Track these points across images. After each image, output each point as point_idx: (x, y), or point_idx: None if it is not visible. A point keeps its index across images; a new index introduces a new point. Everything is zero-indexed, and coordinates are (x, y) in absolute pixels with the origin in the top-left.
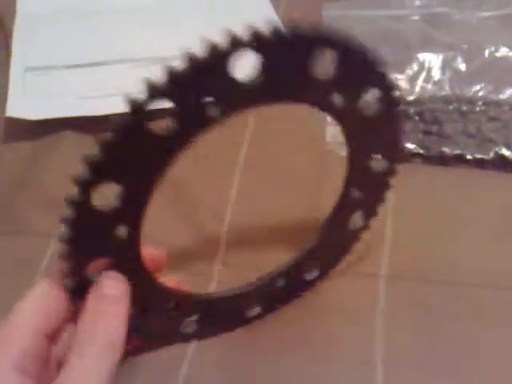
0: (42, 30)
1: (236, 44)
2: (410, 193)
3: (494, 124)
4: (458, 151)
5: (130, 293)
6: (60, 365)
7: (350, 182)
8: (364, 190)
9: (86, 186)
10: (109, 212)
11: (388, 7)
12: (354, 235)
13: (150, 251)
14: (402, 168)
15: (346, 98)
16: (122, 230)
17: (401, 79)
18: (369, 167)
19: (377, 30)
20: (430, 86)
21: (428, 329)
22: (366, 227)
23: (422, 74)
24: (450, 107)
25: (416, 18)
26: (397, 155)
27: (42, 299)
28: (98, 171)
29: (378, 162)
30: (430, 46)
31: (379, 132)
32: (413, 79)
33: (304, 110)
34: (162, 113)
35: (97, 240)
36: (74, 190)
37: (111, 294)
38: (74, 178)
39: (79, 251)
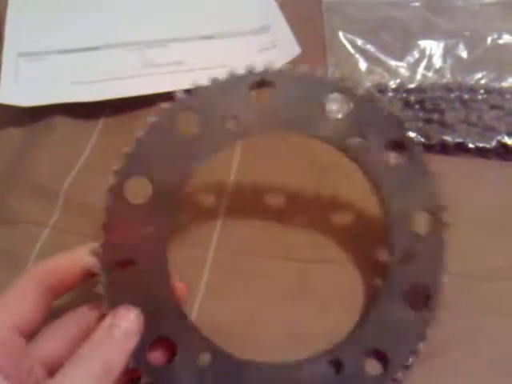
0: (34, 14)
1: (251, 72)
2: None
3: (496, 112)
4: (459, 140)
5: (158, 325)
6: (44, 365)
7: (394, 249)
8: (414, 256)
9: (122, 176)
10: (138, 207)
11: None
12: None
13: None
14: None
15: (367, 147)
16: (149, 229)
17: (401, 67)
18: (413, 229)
19: (377, 17)
20: (431, 74)
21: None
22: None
23: (423, 61)
24: (452, 95)
25: (417, 4)
26: (440, 209)
27: (18, 295)
28: (131, 162)
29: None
30: (431, 32)
31: (412, 186)
32: (413, 67)
33: None
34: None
35: (126, 237)
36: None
37: (122, 325)
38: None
39: (110, 244)
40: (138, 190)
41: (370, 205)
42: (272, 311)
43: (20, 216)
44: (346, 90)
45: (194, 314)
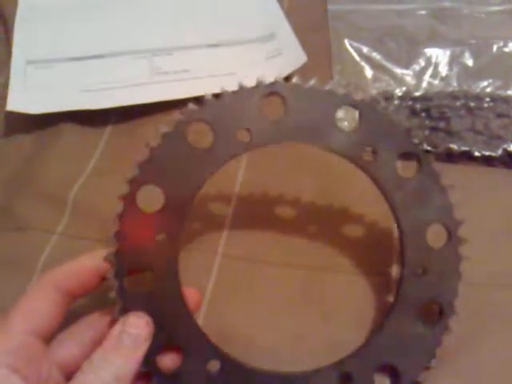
0: (43, 22)
1: (262, 84)
2: None
3: (502, 120)
4: (465, 148)
5: (169, 332)
6: (60, 369)
7: (408, 262)
8: (428, 270)
9: (134, 185)
10: (151, 215)
11: (394, 2)
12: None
13: (185, 291)
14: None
15: (379, 159)
16: (161, 237)
17: (407, 75)
18: (427, 243)
19: (383, 25)
20: (437, 82)
21: None
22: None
23: (429, 69)
24: (458, 103)
25: (423, 12)
26: (454, 221)
27: (36, 300)
28: (144, 171)
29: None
30: (437, 41)
31: (426, 198)
32: (419, 75)
33: None
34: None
35: (139, 245)
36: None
37: (132, 332)
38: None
39: (123, 252)
40: (151, 199)
41: (382, 217)
42: (277, 318)
43: (28, 223)
44: (355, 102)
45: (200, 320)
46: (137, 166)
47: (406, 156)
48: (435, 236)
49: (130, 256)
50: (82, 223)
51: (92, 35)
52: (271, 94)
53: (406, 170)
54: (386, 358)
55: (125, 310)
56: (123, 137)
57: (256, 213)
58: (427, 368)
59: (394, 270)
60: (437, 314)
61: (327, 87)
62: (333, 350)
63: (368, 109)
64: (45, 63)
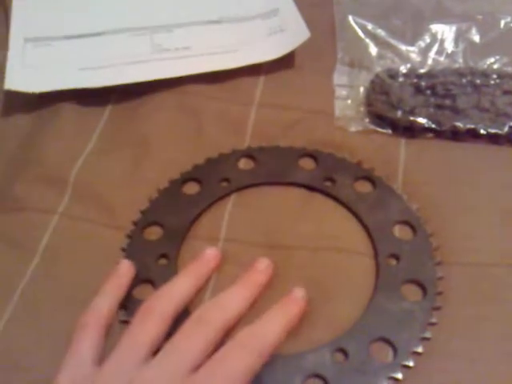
0: (41, 0)
1: (236, 150)
2: (422, 169)
3: (508, 97)
4: (471, 126)
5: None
6: None
7: (380, 253)
8: (401, 258)
9: (140, 226)
10: (153, 242)
11: None
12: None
13: None
14: (413, 143)
15: (338, 185)
16: (163, 261)
17: (412, 51)
18: (395, 236)
19: (387, 1)
20: (442, 59)
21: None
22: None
23: (435, 45)
24: (464, 80)
25: None
26: (416, 219)
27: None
28: (146, 216)
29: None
30: (442, 16)
31: (386, 206)
32: (425, 51)
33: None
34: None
35: (144, 265)
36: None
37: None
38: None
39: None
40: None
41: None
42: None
43: (28, 203)
44: (311, 152)
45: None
46: (140, 212)
47: (361, 178)
48: (403, 231)
49: (137, 274)
50: (82, 203)
51: (91, 12)
52: (244, 156)
53: (363, 187)
54: (379, 332)
55: (131, 313)
56: (124, 115)
57: None
58: (425, 339)
59: None
60: (421, 291)
61: (288, 144)
62: (333, 329)
63: (322, 155)
64: (43, 41)
